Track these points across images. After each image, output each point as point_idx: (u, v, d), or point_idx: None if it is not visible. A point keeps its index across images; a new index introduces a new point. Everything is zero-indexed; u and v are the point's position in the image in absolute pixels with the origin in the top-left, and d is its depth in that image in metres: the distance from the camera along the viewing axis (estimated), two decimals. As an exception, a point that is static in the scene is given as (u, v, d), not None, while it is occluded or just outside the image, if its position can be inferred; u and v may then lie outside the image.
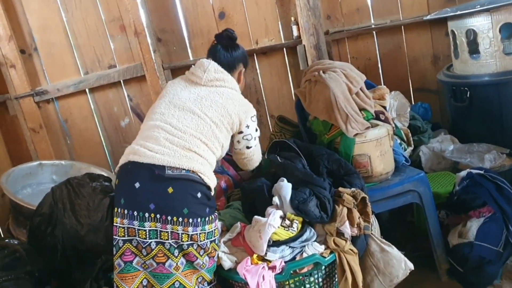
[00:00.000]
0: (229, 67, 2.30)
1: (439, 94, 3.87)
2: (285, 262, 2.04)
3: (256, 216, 2.14)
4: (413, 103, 3.78)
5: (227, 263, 2.08)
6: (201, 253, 1.99)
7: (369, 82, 2.82)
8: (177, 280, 1.97)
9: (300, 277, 2.06)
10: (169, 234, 1.93)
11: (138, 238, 1.94)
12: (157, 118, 2.11)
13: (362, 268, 2.15)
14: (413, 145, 3.03)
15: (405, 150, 2.87)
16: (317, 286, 2.10)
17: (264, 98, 3.73)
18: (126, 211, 1.95)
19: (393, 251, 2.19)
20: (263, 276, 1.96)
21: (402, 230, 2.95)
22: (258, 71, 3.68)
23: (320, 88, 2.56)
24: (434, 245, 2.59)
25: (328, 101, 2.48)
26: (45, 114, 3.43)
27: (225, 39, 2.37)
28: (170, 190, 1.94)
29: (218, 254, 2.09)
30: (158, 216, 1.93)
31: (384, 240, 2.22)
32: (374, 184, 2.51)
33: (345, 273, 2.08)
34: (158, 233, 1.93)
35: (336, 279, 2.14)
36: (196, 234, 1.96)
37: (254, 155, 2.39)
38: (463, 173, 2.66)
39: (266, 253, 2.03)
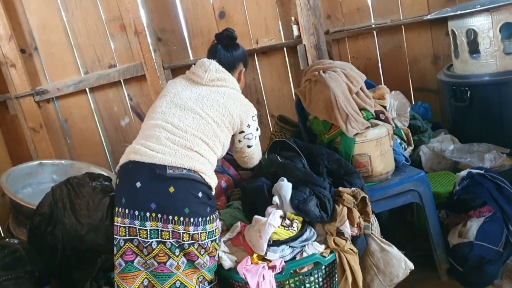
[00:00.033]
0: (229, 67, 2.30)
1: (439, 94, 3.87)
2: (285, 261, 2.04)
3: (256, 216, 2.14)
4: (413, 102, 3.79)
5: (227, 262, 2.08)
6: (202, 253, 1.99)
7: (369, 82, 2.82)
8: (178, 280, 1.97)
9: (300, 277, 2.06)
10: (170, 234, 1.93)
11: (139, 238, 1.94)
12: (158, 117, 2.11)
13: (362, 267, 2.15)
14: (413, 145, 3.03)
15: (405, 149, 2.87)
16: (317, 286, 2.10)
17: (264, 98, 3.73)
18: (127, 211, 1.95)
19: (393, 250, 2.19)
20: (263, 276, 1.96)
21: (402, 229, 2.96)
22: (258, 70, 3.68)
23: (320, 87, 2.56)
24: (434, 244, 2.59)
25: (328, 100, 2.48)
26: (45, 113, 3.43)
27: (225, 39, 2.37)
28: (172, 189, 1.94)
29: (218, 254, 2.09)
30: (159, 215, 1.93)
31: (384, 240, 2.22)
32: (374, 183, 2.51)
33: (345, 272, 2.08)
34: (159, 232, 1.93)
35: (336, 279, 2.14)
36: (197, 233, 1.96)
37: (254, 154, 2.40)
38: (463, 173, 2.67)
39: (266, 253, 2.03)
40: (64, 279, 2.50)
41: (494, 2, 2.90)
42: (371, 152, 2.46)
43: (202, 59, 2.31)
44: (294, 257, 2.06)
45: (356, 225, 2.12)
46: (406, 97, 3.32)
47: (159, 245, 1.94)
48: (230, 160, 2.73)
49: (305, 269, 2.05)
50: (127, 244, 1.95)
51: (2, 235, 3.25)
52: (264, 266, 1.99)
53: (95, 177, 2.60)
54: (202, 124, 2.09)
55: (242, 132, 2.26)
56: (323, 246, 2.10)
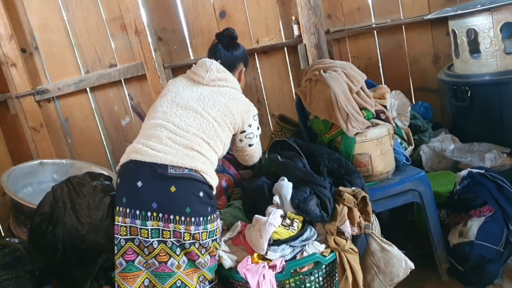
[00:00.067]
0: (230, 67, 2.30)
1: (439, 94, 3.87)
2: (285, 261, 2.04)
3: (256, 215, 2.14)
4: (413, 102, 3.79)
5: (227, 262, 2.08)
6: (202, 252, 1.99)
7: (370, 81, 2.82)
8: (179, 279, 1.97)
9: (301, 276, 2.06)
10: (171, 233, 1.93)
11: (140, 237, 1.94)
12: (160, 116, 2.11)
13: (362, 267, 2.15)
14: (413, 144, 3.03)
15: (405, 149, 2.87)
16: (317, 285, 2.10)
17: (265, 97, 3.73)
18: (128, 210, 1.95)
19: (394, 250, 2.19)
20: (264, 275, 1.96)
21: (402, 229, 2.95)
22: (259, 70, 3.68)
23: (320, 87, 2.56)
24: (435, 244, 2.59)
25: (328, 100, 2.48)
26: (46, 113, 3.43)
27: (226, 38, 2.37)
28: (173, 189, 1.94)
29: (219, 253, 2.09)
30: (160, 215, 1.93)
31: (384, 239, 2.22)
32: (375, 183, 2.51)
33: (345, 272, 2.08)
34: (160, 231, 1.93)
35: (337, 278, 2.14)
36: (198, 233, 1.96)
37: (255, 152, 2.42)
38: (464, 173, 2.67)
39: (266, 252, 2.03)
40: (65, 278, 2.50)
41: (494, 2, 2.90)
42: (372, 152, 2.46)
43: (203, 58, 2.30)
44: (294, 257, 2.07)
45: (356, 225, 2.12)
46: (406, 96, 3.32)
47: (160, 245, 1.94)
48: (230, 159, 2.73)
49: (305, 269, 2.05)
50: (128, 243, 1.95)
51: (3, 234, 3.25)
52: (264, 266, 1.99)
53: (96, 177, 2.61)
54: (203, 123, 2.09)
55: (243, 131, 2.27)
56: (323, 246, 2.10)
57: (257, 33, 3.61)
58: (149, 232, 1.93)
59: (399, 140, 2.85)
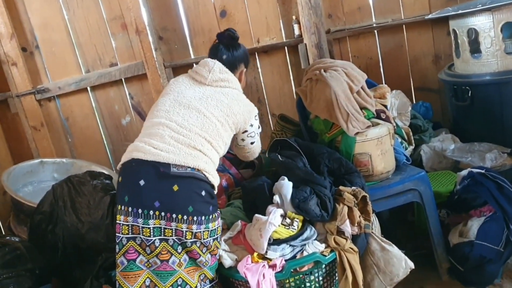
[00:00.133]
0: (231, 67, 2.31)
1: (440, 93, 3.86)
2: (285, 260, 2.04)
3: (256, 215, 2.14)
4: (414, 102, 3.78)
5: (227, 261, 2.08)
6: (204, 251, 1.99)
7: (370, 81, 2.82)
8: (180, 277, 1.97)
9: (301, 276, 2.06)
10: (173, 231, 1.94)
11: (142, 236, 1.94)
12: (162, 115, 2.11)
13: (362, 266, 2.15)
14: (414, 144, 3.03)
15: (406, 149, 2.87)
16: (317, 285, 2.10)
17: (265, 97, 3.73)
18: (130, 209, 1.95)
19: (394, 250, 2.19)
20: (264, 275, 1.96)
21: (402, 229, 2.95)
22: (259, 69, 3.68)
23: (321, 86, 2.56)
24: (435, 244, 2.59)
25: (329, 99, 2.48)
26: (46, 112, 3.44)
27: (227, 39, 2.37)
28: (176, 188, 1.94)
29: (219, 252, 2.09)
30: (163, 213, 1.93)
31: (384, 239, 2.22)
32: (375, 183, 2.51)
33: (345, 271, 2.08)
34: (162, 230, 1.94)
35: (337, 278, 2.14)
36: (200, 232, 1.96)
37: (256, 148, 2.44)
38: (464, 172, 2.66)
39: (266, 252, 2.03)
40: (65, 277, 2.51)
41: (495, 2, 2.89)
42: (372, 151, 2.46)
43: (206, 59, 2.31)
44: (294, 256, 2.07)
45: (356, 224, 2.12)
46: (407, 96, 3.32)
47: (162, 243, 1.94)
48: (231, 159, 2.74)
49: (305, 268, 2.05)
50: (129, 242, 1.95)
51: (3, 233, 3.26)
52: (264, 265, 1.99)
53: (96, 176, 2.61)
54: (206, 123, 2.09)
55: (245, 131, 2.29)
56: (323, 245, 2.10)
57: (257, 32, 3.61)
58: (151, 231, 1.93)
59: (400, 139, 2.85)
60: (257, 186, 2.32)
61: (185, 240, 1.95)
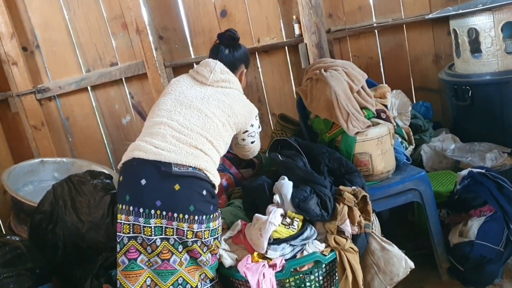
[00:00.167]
0: (231, 68, 2.31)
1: (440, 93, 3.86)
2: (285, 260, 2.04)
3: (257, 214, 2.14)
4: (414, 101, 3.78)
5: (227, 260, 2.08)
6: (204, 250, 2.00)
7: (371, 81, 2.82)
8: (180, 276, 1.97)
9: (301, 275, 2.06)
10: (174, 231, 1.94)
11: (143, 235, 1.94)
12: (164, 115, 2.11)
13: (362, 266, 2.15)
14: (414, 144, 3.03)
15: (406, 148, 2.87)
16: (317, 284, 2.10)
17: (265, 97, 3.74)
18: (131, 208, 1.95)
19: (394, 249, 2.19)
20: (264, 274, 1.96)
21: (402, 228, 2.95)
22: (259, 69, 3.68)
23: (321, 86, 2.56)
24: (435, 244, 2.59)
25: (329, 99, 2.48)
26: (46, 111, 3.44)
27: (228, 39, 2.38)
28: (177, 187, 1.94)
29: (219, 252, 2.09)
30: (164, 213, 1.93)
31: (384, 239, 2.22)
32: (375, 182, 2.51)
33: (345, 271, 2.08)
34: (163, 229, 1.94)
35: (337, 277, 2.14)
36: (201, 231, 1.97)
37: (256, 146, 2.45)
38: (464, 172, 2.66)
39: (266, 251, 2.03)
40: (65, 276, 2.51)
41: (496, 1, 2.89)
42: (372, 151, 2.46)
43: (207, 59, 2.31)
44: (294, 256, 2.07)
45: (356, 224, 2.12)
46: (407, 96, 3.32)
47: (163, 242, 1.94)
48: (231, 158, 2.74)
49: (305, 268, 2.05)
50: (131, 241, 1.95)
51: (4, 232, 3.26)
52: (264, 265, 1.99)
53: (96, 175, 2.61)
54: (207, 123, 2.09)
55: (246, 131, 2.30)
56: (323, 245, 2.10)
57: (258, 32, 3.61)
58: (152, 230, 1.93)
59: (400, 139, 2.84)
60: (257, 185, 2.32)
61: (186, 240, 1.95)
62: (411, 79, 3.91)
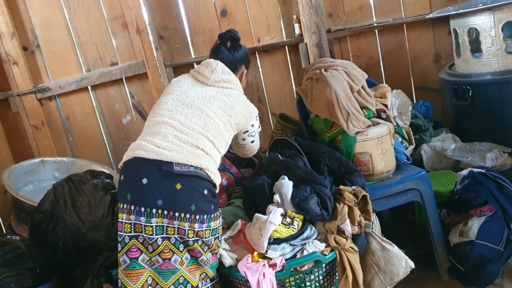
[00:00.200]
0: (231, 68, 2.31)
1: (441, 93, 3.86)
2: (285, 259, 2.04)
3: (257, 214, 2.15)
4: (414, 101, 3.78)
5: (227, 260, 2.09)
6: (205, 250, 2.00)
7: (371, 81, 2.82)
8: (181, 276, 1.98)
9: (301, 275, 2.06)
10: (176, 230, 1.94)
11: (144, 235, 1.94)
12: (165, 114, 2.11)
13: (362, 266, 2.15)
14: (414, 144, 3.02)
15: (406, 148, 2.87)
16: (317, 284, 2.10)
17: (265, 96, 3.74)
18: (132, 207, 1.94)
19: (394, 249, 2.19)
20: (264, 274, 1.96)
21: (403, 228, 2.95)
22: (260, 69, 3.68)
23: (321, 86, 2.56)
24: (435, 243, 2.59)
25: (329, 99, 2.48)
26: (47, 111, 3.44)
27: (228, 40, 2.38)
28: (179, 186, 1.94)
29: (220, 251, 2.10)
30: (165, 212, 1.93)
31: (385, 239, 2.22)
32: (375, 182, 2.51)
33: (345, 271, 2.08)
34: (165, 228, 1.94)
35: (337, 277, 2.14)
36: (202, 230, 1.97)
37: (256, 146, 2.46)
38: (465, 172, 2.66)
39: (266, 251, 2.04)
40: (65, 276, 2.51)
41: (496, 1, 2.89)
42: (372, 151, 2.46)
43: (208, 59, 2.32)
44: (294, 255, 2.07)
45: (356, 224, 2.12)
46: (407, 95, 3.32)
47: (164, 241, 1.95)
48: (231, 158, 2.74)
49: (305, 267, 2.05)
50: (132, 240, 1.95)
51: (4, 232, 3.26)
52: (264, 264, 1.99)
53: (97, 175, 2.61)
54: (209, 123, 2.10)
55: (246, 131, 2.31)
56: (323, 245, 2.11)
57: (258, 32, 3.61)
58: (154, 229, 1.93)
59: (400, 139, 2.84)
60: (257, 185, 2.32)
61: (187, 239, 1.95)
62: (412, 78, 3.91)
